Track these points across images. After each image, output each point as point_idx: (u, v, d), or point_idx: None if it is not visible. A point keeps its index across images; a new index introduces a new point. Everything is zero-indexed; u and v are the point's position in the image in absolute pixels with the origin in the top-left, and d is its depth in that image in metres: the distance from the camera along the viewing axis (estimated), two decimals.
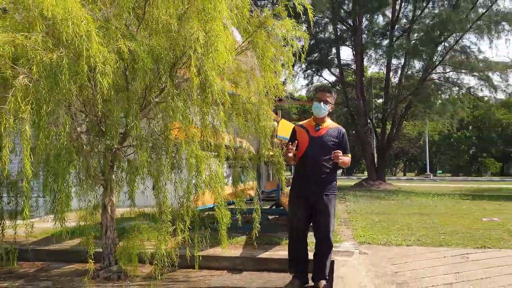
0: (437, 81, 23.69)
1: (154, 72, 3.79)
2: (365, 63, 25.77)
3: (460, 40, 21.28)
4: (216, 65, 3.76)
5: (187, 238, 4.49)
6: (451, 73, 22.70)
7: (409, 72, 23.72)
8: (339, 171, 31.01)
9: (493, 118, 56.56)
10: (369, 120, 26.20)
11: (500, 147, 60.90)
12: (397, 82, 24.60)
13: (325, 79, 28.26)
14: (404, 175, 65.67)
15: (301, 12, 4.62)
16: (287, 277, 4.77)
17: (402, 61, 23.48)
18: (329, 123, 4.45)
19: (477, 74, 21.50)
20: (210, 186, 4.11)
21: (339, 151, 4.15)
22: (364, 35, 23.91)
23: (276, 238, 6.30)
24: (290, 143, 4.32)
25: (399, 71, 23.97)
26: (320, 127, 4.36)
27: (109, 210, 5.08)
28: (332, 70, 26.78)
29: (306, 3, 4.59)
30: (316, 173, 4.26)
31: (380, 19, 25.44)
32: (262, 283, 4.83)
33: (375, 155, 29.28)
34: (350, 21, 24.58)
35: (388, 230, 7.51)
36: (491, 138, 59.71)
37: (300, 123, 4.58)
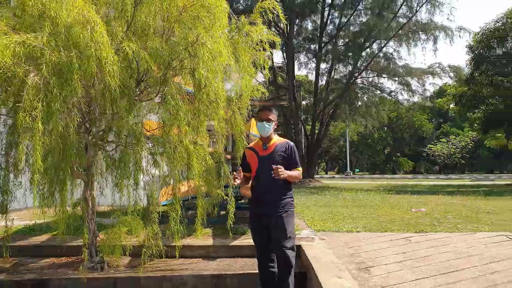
0: (362, 85, 25.36)
1: (153, 72, 4.10)
2: (295, 66, 26.92)
3: (384, 48, 22.98)
4: (211, 67, 4.14)
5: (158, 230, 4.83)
6: (375, 78, 24.40)
7: (336, 76, 25.13)
8: None
9: (412, 120, 60.80)
10: (299, 121, 27.34)
11: (412, 147, 65.54)
12: (325, 85, 25.94)
13: (256, 80, 28.97)
14: (326, 173, 68.46)
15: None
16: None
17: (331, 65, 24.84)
18: (276, 139, 4.31)
19: (397, 79, 23.36)
20: (203, 177, 4.46)
21: (279, 166, 3.93)
22: (295, 40, 24.96)
23: (240, 229, 6.75)
24: (234, 172, 4.16)
25: (327, 75, 25.30)
26: (268, 145, 4.23)
27: (90, 204, 5.26)
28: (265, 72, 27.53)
29: None
30: (269, 193, 4.11)
31: (309, 25, 26.68)
32: (239, 267, 5.27)
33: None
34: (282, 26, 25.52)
35: (336, 220, 8.25)
36: (404, 139, 64.14)
37: (249, 145, 4.50)
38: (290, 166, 4.14)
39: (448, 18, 70.15)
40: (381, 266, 5.28)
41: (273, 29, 24.71)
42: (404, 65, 23.41)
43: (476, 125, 27.85)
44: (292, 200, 4.25)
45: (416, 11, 21.87)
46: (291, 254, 4.05)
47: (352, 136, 60.25)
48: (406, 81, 23.53)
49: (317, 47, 24.97)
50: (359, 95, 25.09)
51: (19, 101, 3.59)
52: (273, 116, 4.28)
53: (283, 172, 3.94)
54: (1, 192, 5.15)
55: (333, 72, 24.87)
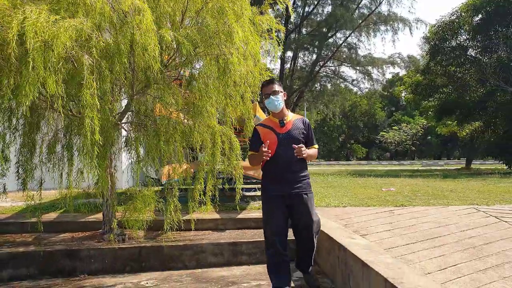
0: (326, 73, 26.22)
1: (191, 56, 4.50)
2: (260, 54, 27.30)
3: (348, 38, 23.89)
4: (236, 52, 4.58)
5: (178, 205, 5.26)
6: (338, 67, 25.32)
7: (301, 65, 25.87)
8: None
9: (373, 107, 62.72)
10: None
11: (366, 135, 67.87)
12: (289, 73, 26.62)
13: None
14: None
15: None
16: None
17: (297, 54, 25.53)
18: (292, 115, 4.14)
19: (359, 68, 24.37)
20: (228, 155, 4.91)
21: (301, 145, 3.82)
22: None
23: (240, 205, 7.24)
24: (263, 145, 3.86)
25: (291, 63, 25.97)
26: (285, 121, 4.01)
27: (110, 181, 5.59)
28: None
29: None
30: (291, 172, 3.90)
31: (273, 14, 27.13)
32: (250, 236, 5.78)
33: None
34: None
35: (320, 197, 8.89)
36: (358, 127, 66.29)
37: (261, 122, 4.21)
38: (307, 144, 4.01)
39: (409, 11, 73.02)
40: (374, 234, 5.93)
41: None
42: (366, 55, 24.49)
43: (430, 113, 29.45)
44: (310, 181, 4.07)
45: (380, 3, 22.89)
46: (316, 238, 3.97)
47: (310, 124, 61.71)
48: (367, 70, 24.62)
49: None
50: (323, 83, 25.95)
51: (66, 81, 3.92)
52: (278, 86, 4.01)
53: (306, 152, 3.83)
54: (23, 170, 5.38)
55: (297, 60, 25.57)
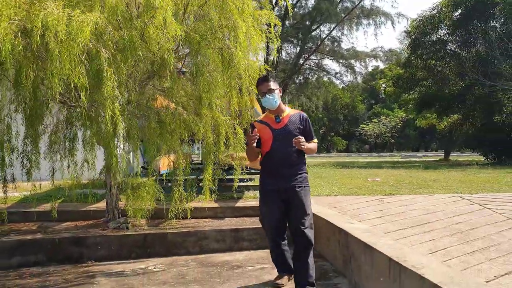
0: (310, 66, 26.51)
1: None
2: None
3: (333, 31, 24.21)
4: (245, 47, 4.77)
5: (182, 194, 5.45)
6: (321, 60, 25.64)
7: (285, 58, 26.11)
8: None
9: (356, 100, 63.38)
10: None
11: (346, 127, 68.68)
12: (274, 65, 26.81)
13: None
14: None
15: None
16: None
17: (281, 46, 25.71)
18: (289, 111, 4.12)
19: (343, 61, 24.73)
20: (234, 145, 5.10)
21: (300, 136, 3.82)
22: None
23: (236, 194, 7.46)
24: (250, 130, 4.00)
25: (276, 55, 26.14)
26: (281, 117, 4.00)
27: (112, 170, 5.73)
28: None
29: None
30: (287, 166, 3.93)
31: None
32: (250, 223, 6.00)
33: None
34: None
35: (313, 187, 9.15)
36: (339, 119, 67.02)
37: (258, 118, 4.26)
38: (306, 139, 3.93)
39: (392, 5, 73.93)
40: (367, 220, 6.21)
41: None
42: (349, 48, 24.89)
43: (410, 105, 30.07)
44: (307, 176, 4.08)
45: None
46: (310, 233, 3.87)
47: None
48: (350, 63, 25.01)
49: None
50: (306, 76, 26.25)
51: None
52: (273, 84, 3.99)
53: (304, 144, 3.82)
54: (28, 160, 5.48)
55: (281, 53, 25.80)
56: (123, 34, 4.17)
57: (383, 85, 33.87)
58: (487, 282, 3.10)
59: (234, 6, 4.73)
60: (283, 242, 4.10)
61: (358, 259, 4.02)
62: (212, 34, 4.74)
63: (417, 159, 33.84)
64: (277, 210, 3.96)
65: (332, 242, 4.87)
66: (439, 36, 24.35)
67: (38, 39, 3.97)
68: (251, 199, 7.12)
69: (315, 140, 4.12)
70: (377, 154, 53.60)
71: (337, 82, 28.54)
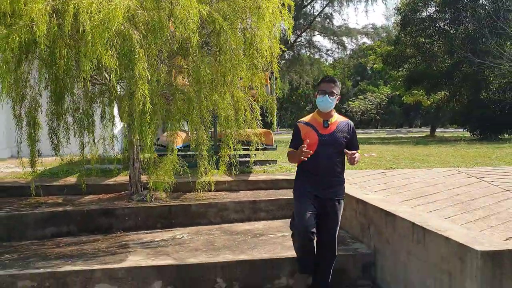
0: (301, 43, 26.69)
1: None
2: None
3: (325, 8, 24.34)
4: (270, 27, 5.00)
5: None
6: (312, 37, 25.81)
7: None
8: None
9: (346, 76, 63.72)
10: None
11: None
12: None
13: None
14: None
15: None
16: (277, 193, 6.36)
17: None
18: (337, 117, 3.95)
19: (334, 38, 24.94)
20: (249, 122, 5.38)
21: (354, 152, 3.74)
22: None
23: (245, 169, 7.77)
24: (303, 145, 3.64)
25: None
26: (329, 122, 3.84)
27: (135, 145, 5.99)
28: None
29: None
30: (329, 175, 3.84)
31: None
32: (265, 195, 6.34)
33: None
34: None
35: None
36: None
37: (303, 119, 4.05)
38: (350, 149, 3.83)
39: None
40: (373, 193, 6.60)
41: None
42: (341, 25, 25.09)
43: (399, 82, 30.53)
44: (344, 186, 4.05)
45: None
46: (336, 246, 3.92)
47: (279, 94, 62.55)
48: (341, 40, 25.25)
49: None
50: (297, 52, 26.42)
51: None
52: (337, 89, 3.85)
53: (357, 158, 3.76)
54: (55, 136, 5.70)
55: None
56: (153, 15, 4.37)
57: (371, 62, 34.17)
58: (505, 240, 3.49)
59: None
60: (312, 236, 3.79)
61: (378, 225, 4.38)
62: (234, 14, 4.95)
63: (403, 135, 34.49)
64: (311, 208, 3.79)
65: (348, 211, 5.23)
66: (428, 14, 24.68)
67: (71, 22, 4.17)
68: (261, 173, 7.44)
69: (359, 151, 3.99)
70: (362, 131, 54.26)
71: (329, 59, 28.82)
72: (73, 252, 4.64)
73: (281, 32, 6.57)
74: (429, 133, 31.69)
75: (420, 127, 61.23)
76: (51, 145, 5.76)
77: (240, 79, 5.48)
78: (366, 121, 68.98)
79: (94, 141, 5.93)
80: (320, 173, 3.84)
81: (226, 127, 5.48)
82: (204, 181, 5.71)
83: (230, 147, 5.61)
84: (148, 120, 4.35)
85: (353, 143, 3.93)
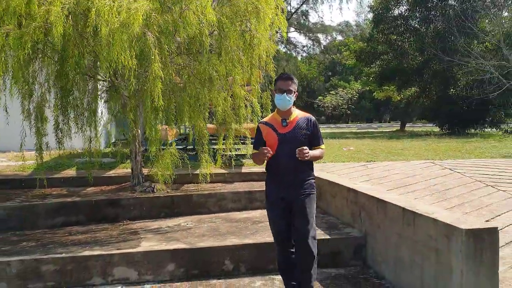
0: (278, 39, 27.11)
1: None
2: None
3: (303, 5, 24.87)
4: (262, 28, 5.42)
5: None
6: (291, 33, 26.34)
7: None
8: None
9: (319, 72, 64.51)
10: None
11: (304, 99, 69.95)
12: None
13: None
14: None
15: None
16: None
17: None
18: (296, 114, 3.84)
19: (310, 35, 25.53)
20: (251, 118, 5.79)
21: (303, 148, 3.57)
22: None
23: (237, 161, 8.18)
24: (264, 148, 3.66)
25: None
26: (288, 121, 3.76)
27: (137, 139, 6.32)
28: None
29: None
30: (290, 174, 3.73)
31: None
32: (259, 186, 6.76)
33: None
34: None
35: None
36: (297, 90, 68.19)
37: (264, 119, 4.01)
38: (312, 144, 3.78)
39: None
40: (358, 184, 7.12)
41: None
42: (317, 22, 25.71)
43: (371, 79, 31.41)
44: (314, 182, 3.87)
45: None
46: (313, 244, 3.75)
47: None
48: (316, 36, 25.89)
49: None
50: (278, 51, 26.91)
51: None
52: (294, 86, 3.76)
53: (308, 154, 3.59)
54: (59, 130, 5.98)
55: None
56: (166, 18, 4.72)
57: (345, 58, 34.99)
58: (486, 221, 4.02)
59: None
60: (291, 250, 3.88)
61: (370, 211, 4.87)
62: (236, 18, 5.34)
63: (374, 130, 35.48)
64: (282, 220, 3.80)
65: (339, 199, 5.72)
66: (400, 12, 25.53)
67: (89, 23, 4.49)
68: (252, 166, 7.86)
69: (322, 146, 3.89)
70: (334, 125, 55.25)
71: (304, 55, 29.41)
72: (88, 239, 4.96)
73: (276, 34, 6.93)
74: (399, 128, 32.74)
75: (389, 122, 62.74)
76: (55, 139, 6.00)
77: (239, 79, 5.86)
78: (338, 116, 70.07)
79: (96, 135, 6.20)
80: (281, 173, 3.75)
81: (222, 122, 5.87)
82: (205, 173, 6.08)
83: (230, 141, 5.98)
84: (161, 116, 4.69)
85: (314, 138, 3.80)
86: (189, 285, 4.37)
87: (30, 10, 4.87)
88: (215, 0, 5.66)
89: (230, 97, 5.75)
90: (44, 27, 4.81)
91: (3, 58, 4.88)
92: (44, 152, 6.10)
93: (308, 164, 3.81)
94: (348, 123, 66.35)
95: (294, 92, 3.75)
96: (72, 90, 5.50)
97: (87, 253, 4.45)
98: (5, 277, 4.21)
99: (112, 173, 7.12)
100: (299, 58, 45.87)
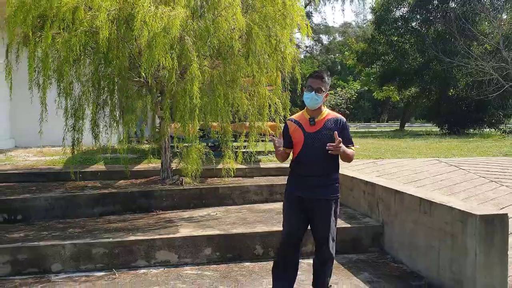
0: None
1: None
2: None
3: (306, 7, 25.31)
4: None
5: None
6: (294, 34, 26.78)
7: None
8: None
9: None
10: None
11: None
12: None
13: None
14: None
15: None
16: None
17: None
18: (326, 113, 3.74)
19: (313, 36, 25.96)
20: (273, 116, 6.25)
21: (338, 140, 3.43)
22: None
23: (254, 158, 8.63)
24: (275, 138, 3.70)
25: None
26: (316, 119, 3.67)
27: (167, 135, 6.77)
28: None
29: None
30: (315, 175, 3.62)
31: None
32: (279, 180, 7.22)
33: None
34: None
35: None
36: (296, 91, 68.64)
37: (293, 116, 3.91)
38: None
39: None
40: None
41: None
42: (319, 23, 26.22)
43: (372, 79, 31.93)
44: (339, 186, 3.75)
45: None
46: (332, 247, 3.70)
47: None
48: (319, 37, 26.41)
49: None
50: None
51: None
52: (326, 86, 3.65)
53: (342, 148, 3.47)
54: (96, 126, 6.42)
55: None
56: (200, 24, 5.18)
57: (347, 58, 35.49)
58: (501, 208, 4.50)
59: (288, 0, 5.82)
60: (296, 250, 3.82)
61: (387, 202, 5.34)
62: (264, 23, 5.80)
63: (374, 130, 36.01)
64: (300, 217, 3.72)
65: (356, 192, 6.19)
66: (401, 14, 26.04)
67: (137, 31, 4.96)
68: (269, 162, 8.34)
69: (353, 147, 3.76)
70: None
71: (307, 55, 29.87)
72: (128, 227, 5.42)
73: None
74: (398, 128, 33.27)
75: (387, 122, 63.33)
76: (92, 135, 6.44)
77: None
78: None
79: (128, 132, 6.62)
80: (305, 173, 3.66)
81: (245, 120, 6.35)
82: (229, 168, 6.54)
83: (254, 138, 6.44)
84: (197, 114, 5.15)
85: (344, 140, 3.57)
86: (226, 267, 4.82)
87: (76, 17, 5.31)
88: (243, 5, 6.08)
89: (252, 96, 6.17)
90: (90, 31, 5.25)
91: (50, 59, 5.33)
92: (67, 147, 6.53)
93: (335, 166, 3.71)
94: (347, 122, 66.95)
95: (324, 91, 3.64)
96: (114, 90, 5.92)
97: (132, 238, 4.90)
98: (60, 259, 4.65)
99: (140, 167, 7.57)
100: (302, 57, 46.38)
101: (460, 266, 4.03)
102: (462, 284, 3.99)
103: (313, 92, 3.59)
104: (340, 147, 3.45)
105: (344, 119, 3.79)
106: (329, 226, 3.65)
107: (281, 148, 3.67)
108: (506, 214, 3.94)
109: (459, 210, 4.08)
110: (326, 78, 3.67)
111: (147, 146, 10.29)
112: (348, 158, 3.70)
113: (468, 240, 3.94)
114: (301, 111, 3.88)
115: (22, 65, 6.24)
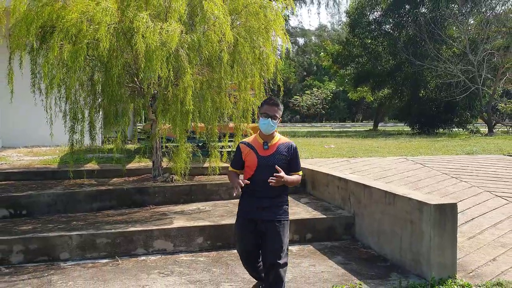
0: None
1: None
2: None
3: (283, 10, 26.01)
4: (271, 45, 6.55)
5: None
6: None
7: None
8: None
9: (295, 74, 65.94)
10: None
11: (281, 98, 71.35)
12: None
13: None
14: None
15: None
16: None
17: None
18: (278, 138, 3.89)
19: (290, 38, 26.78)
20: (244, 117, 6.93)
21: (280, 175, 3.60)
22: None
23: None
24: (237, 182, 3.68)
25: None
26: (269, 144, 3.81)
27: (158, 136, 7.35)
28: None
29: None
30: (267, 197, 3.75)
31: None
32: None
33: None
34: None
35: None
36: (273, 90, 69.52)
37: (246, 140, 4.03)
38: (290, 170, 3.82)
39: None
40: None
41: None
42: (296, 26, 27.00)
43: (347, 80, 32.96)
44: (288, 208, 3.91)
45: None
46: (284, 270, 3.75)
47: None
48: (295, 40, 27.18)
49: None
50: None
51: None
52: (280, 113, 3.82)
53: (284, 180, 3.65)
54: (93, 127, 6.96)
55: None
56: (193, 37, 5.80)
57: (322, 59, 36.43)
58: (459, 201, 5.25)
59: (263, 15, 6.47)
60: (259, 264, 3.97)
61: (358, 195, 6.06)
62: (248, 35, 6.45)
63: (349, 129, 37.07)
64: (253, 241, 3.85)
65: (331, 187, 6.89)
66: (374, 17, 27.05)
67: (138, 45, 5.54)
68: None
69: (300, 173, 3.94)
70: (309, 125, 56.80)
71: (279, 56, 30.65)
72: (126, 219, 5.99)
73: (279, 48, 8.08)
74: (372, 128, 34.36)
75: (361, 122, 64.83)
76: (89, 136, 6.97)
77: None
78: (312, 115, 71.77)
79: (121, 133, 7.18)
80: (257, 195, 3.77)
81: (229, 122, 7.00)
82: (215, 166, 7.17)
83: (238, 139, 7.07)
84: (191, 118, 5.76)
85: (292, 165, 3.84)
86: (216, 254, 5.46)
87: (79, 30, 5.84)
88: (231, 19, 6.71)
89: (238, 100, 6.83)
90: (93, 43, 5.81)
91: (60, 70, 5.88)
92: (59, 147, 7.01)
93: (285, 190, 3.86)
94: (322, 122, 68.12)
95: (279, 118, 3.81)
96: (113, 95, 6.47)
97: (131, 228, 5.48)
98: (68, 248, 5.21)
99: (130, 166, 8.12)
100: (282, 61, 47.22)
101: (418, 248, 4.76)
102: (420, 263, 4.73)
103: (269, 118, 3.74)
104: (282, 180, 3.64)
105: (295, 145, 3.95)
106: (282, 247, 3.73)
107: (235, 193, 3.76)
108: (455, 203, 4.69)
109: (417, 200, 4.81)
110: (281, 105, 3.85)
111: (131, 146, 10.86)
112: (294, 185, 3.94)
113: (424, 226, 4.67)
114: (253, 135, 4.00)
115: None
